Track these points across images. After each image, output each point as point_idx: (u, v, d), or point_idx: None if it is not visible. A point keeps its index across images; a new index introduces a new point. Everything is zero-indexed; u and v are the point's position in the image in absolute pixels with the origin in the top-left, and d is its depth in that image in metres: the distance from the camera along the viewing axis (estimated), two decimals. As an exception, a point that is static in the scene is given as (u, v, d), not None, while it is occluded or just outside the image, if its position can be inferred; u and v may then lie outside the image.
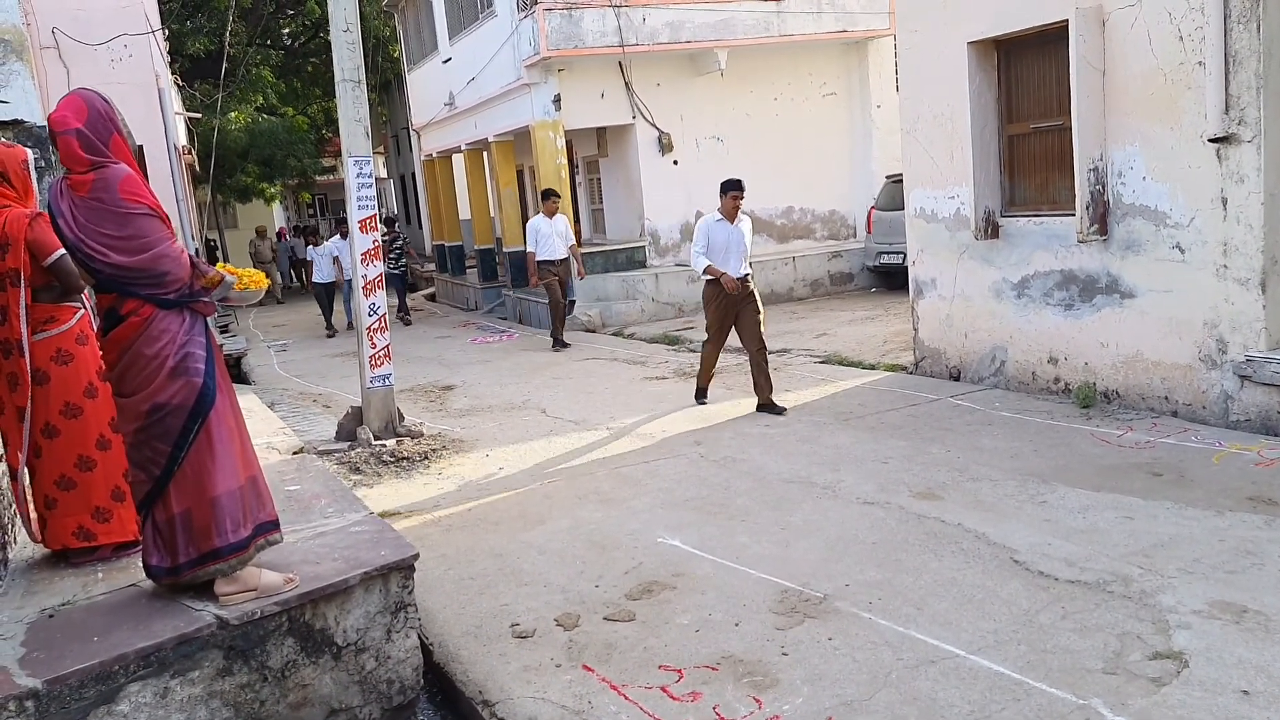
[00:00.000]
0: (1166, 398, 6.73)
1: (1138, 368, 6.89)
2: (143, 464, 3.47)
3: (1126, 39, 6.59)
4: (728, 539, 5.23)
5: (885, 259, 14.48)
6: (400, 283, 17.36)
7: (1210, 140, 6.13)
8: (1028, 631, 3.90)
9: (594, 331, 14.00)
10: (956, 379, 8.45)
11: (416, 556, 3.81)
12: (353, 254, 7.84)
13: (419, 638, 4.00)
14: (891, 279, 14.70)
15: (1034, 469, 5.89)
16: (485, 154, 18.20)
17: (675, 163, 15.02)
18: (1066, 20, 6.74)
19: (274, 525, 3.67)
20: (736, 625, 4.20)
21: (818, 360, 10.11)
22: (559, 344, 12.44)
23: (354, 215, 7.75)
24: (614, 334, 13.71)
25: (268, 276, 16.55)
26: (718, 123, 15.17)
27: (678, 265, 15.03)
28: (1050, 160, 7.46)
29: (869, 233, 15.02)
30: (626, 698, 3.69)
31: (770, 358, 10.53)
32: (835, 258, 15.75)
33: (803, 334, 11.90)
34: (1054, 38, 7.02)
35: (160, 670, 3.20)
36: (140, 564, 3.67)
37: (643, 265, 15.02)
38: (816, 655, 3.87)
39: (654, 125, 14.81)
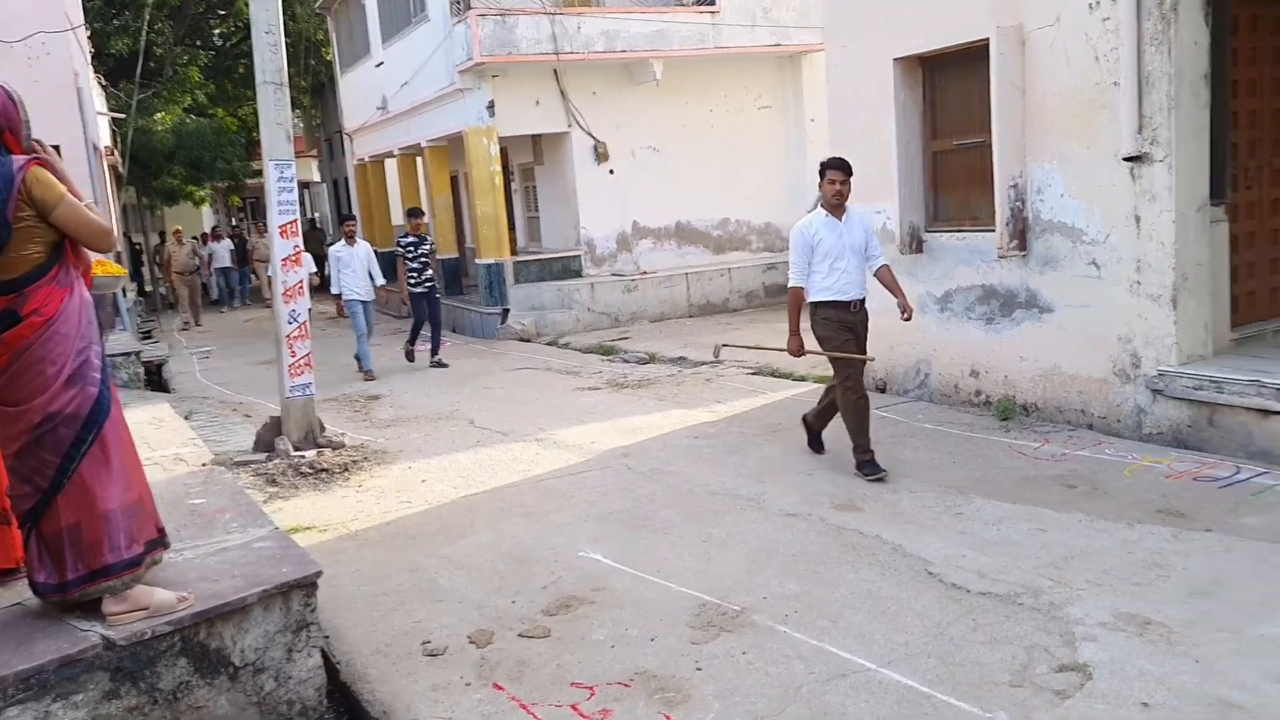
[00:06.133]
0: (1083, 411, 6.85)
1: (1055, 381, 7.01)
2: (28, 476, 3.32)
3: (1046, 58, 6.71)
4: (650, 552, 5.18)
5: (818, 271, 14.58)
6: (427, 305, 12.12)
7: (1124, 159, 6.26)
8: (939, 644, 3.91)
9: (528, 341, 13.91)
10: (883, 391, 8.50)
11: (319, 573, 3.70)
12: (273, 260, 7.67)
13: (324, 657, 3.89)
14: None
15: (952, 481, 5.94)
16: (419, 159, 18.02)
17: (611, 172, 14.99)
18: (988, 39, 6.85)
19: (160, 543, 3.55)
20: (652, 640, 4.15)
21: (750, 372, 10.14)
22: (871, 470, 6.10)
23: (274, 220, 7.58)
24: (549, 343, 13.64)
25: (189, 290, 15.82)
26: (654, 133, 15.19)
27: (613, 275, 15.00)
28: (972, 177, 7.56)
29: (802, 245, 15.12)
30: (536, 716, 3.62)
31: (703, 369, 10.64)
32: (770, 269, 15.84)
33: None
34: (976, 56, 7.12)
35: (41, 693, 3.06)
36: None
37: (579, 275, 14.97)
38: (730, 670, 3.84)
39: (590, 134, 14.77)
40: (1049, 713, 3.35)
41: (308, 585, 3.65)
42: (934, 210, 7.99)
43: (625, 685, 3.79)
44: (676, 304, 15.06)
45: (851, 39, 8.24)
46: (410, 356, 12.31)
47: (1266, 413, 5.77)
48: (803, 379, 9.47)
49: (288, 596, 3.60)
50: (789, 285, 6.34)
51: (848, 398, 6.16)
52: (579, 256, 15.03)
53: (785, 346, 6.35)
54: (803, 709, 3.51)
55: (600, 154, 14.85)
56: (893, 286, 6.32)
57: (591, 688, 3.79)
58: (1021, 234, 7.02)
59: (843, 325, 6.17)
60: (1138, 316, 6.40)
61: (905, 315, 6.29)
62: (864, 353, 6.29)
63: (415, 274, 11.98)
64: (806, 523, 5.45)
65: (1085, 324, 6.74)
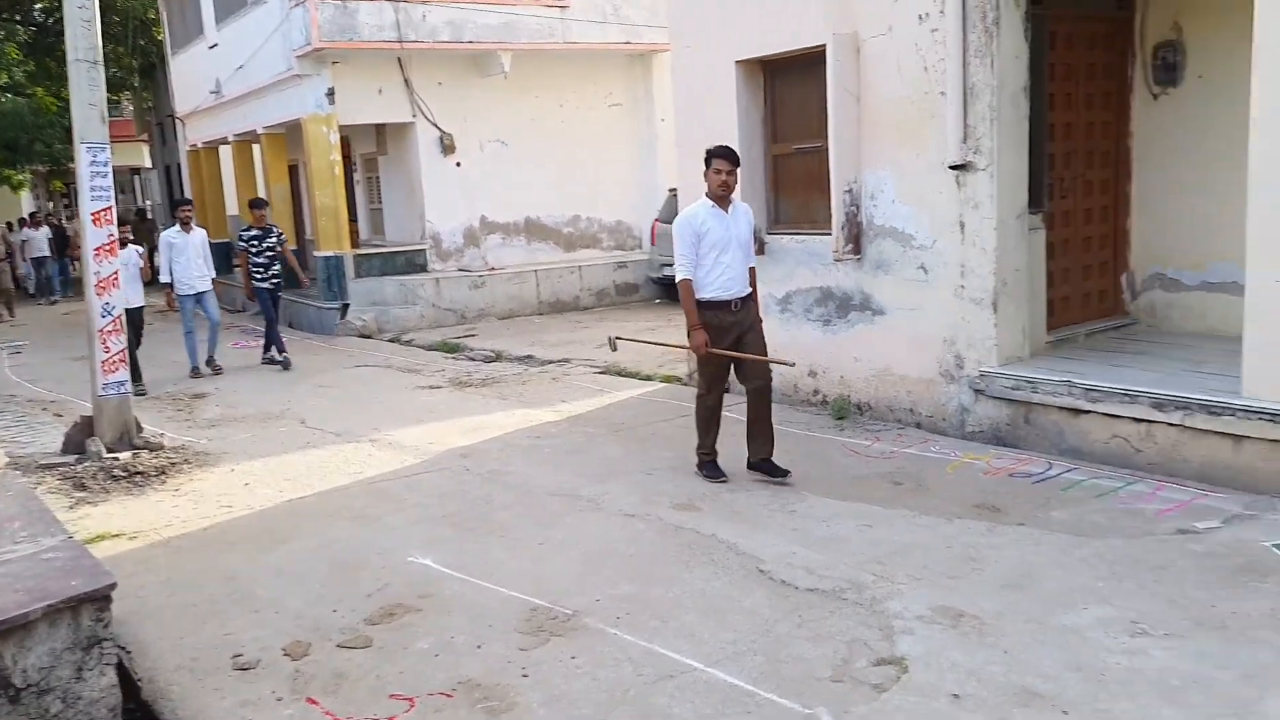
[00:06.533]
0: (912, 410, 7.08)
1: (887, 381, 7.22)
2: None
3: (879, 67, 6.90)
4: (483, 556, 5.07)
5: (668, 271, 14.65)
6: (271, 301, 11.40)
7: (951, 167, 6.49)
8: (765, 641, 3.94)
9: (369, 337, 13.49)
10: (726, 390, 8.58)
11: (113, 586, 3.43)
12: (84, 249, 7.16)
13: (123, 673, 3.62)
14: (674, 290, 14.89)
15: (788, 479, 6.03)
16: (255, 147, 17.26)
17: (458, 164, 14.71)
18: (825, 45, 6.99)
19: None
20: (479, 648, 4.04)
21: (597, 371, 10.10)
22: (711, 471, 6.14)
23: (86, 207, 7.08)
24: (391, 340, 13.26)
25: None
26: (502, 126, 14.98)
27: (460, 271, 14.72)
28: (811, 181, 7.71)
29: (653, 244, 15.21)
30: (351, 731, 3.47)
31: (551, 367, 10.53)
32: (621, 268, 15.86)
33: (585, 344, 11.88)
34: (815, 62, 7.25)
35: None
36: None
37: (423, 269, 14.61)
38: (558, 675, 3.77)
39: (435, 125, 14.45)
40: (866, 706, 3.41)
41: (100, 599, 3.38)
42: (775, 213, 8.12)
43: (448, 695, 3.67)
44: (526, 301, 14.90)
45: (695, 40, 8.29)
46: (287, 365, 11.14)
47: (1076, 411, 6.08)
48: (649, 378, 9.49)
49: (77, 611, 3.32)
50: (678, 279, 5.90)
51: (704, 402, 6.10)
52: (424, 251, 14.67)
53: (688, 343, 6.00)
54: (629, 711, 3.48)
55: (447, 146, 14.54)
56: (753, 288, 6.08)
57: (411, 699, 3.66)
58: (856, 238, 7.20)
59: (721, 329, 5.86)
60: (962, 319, 6.66)
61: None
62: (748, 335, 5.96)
63: (261, 269, 11.26)
64: (645, 523, 5.43)
65: (914, 326, 6.96)
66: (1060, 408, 6.17)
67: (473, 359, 11.34)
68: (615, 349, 6.97)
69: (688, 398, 8.42)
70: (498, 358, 11.25)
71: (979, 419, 6.65)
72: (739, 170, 5.90)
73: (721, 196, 5.87)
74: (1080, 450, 6.09)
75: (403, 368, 10.95)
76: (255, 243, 11.29)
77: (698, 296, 5.86)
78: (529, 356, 11.08)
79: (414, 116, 14.34)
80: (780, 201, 8.10)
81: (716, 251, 5.82)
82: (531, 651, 3.97)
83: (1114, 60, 7.39)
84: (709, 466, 6.14)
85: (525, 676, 3.77)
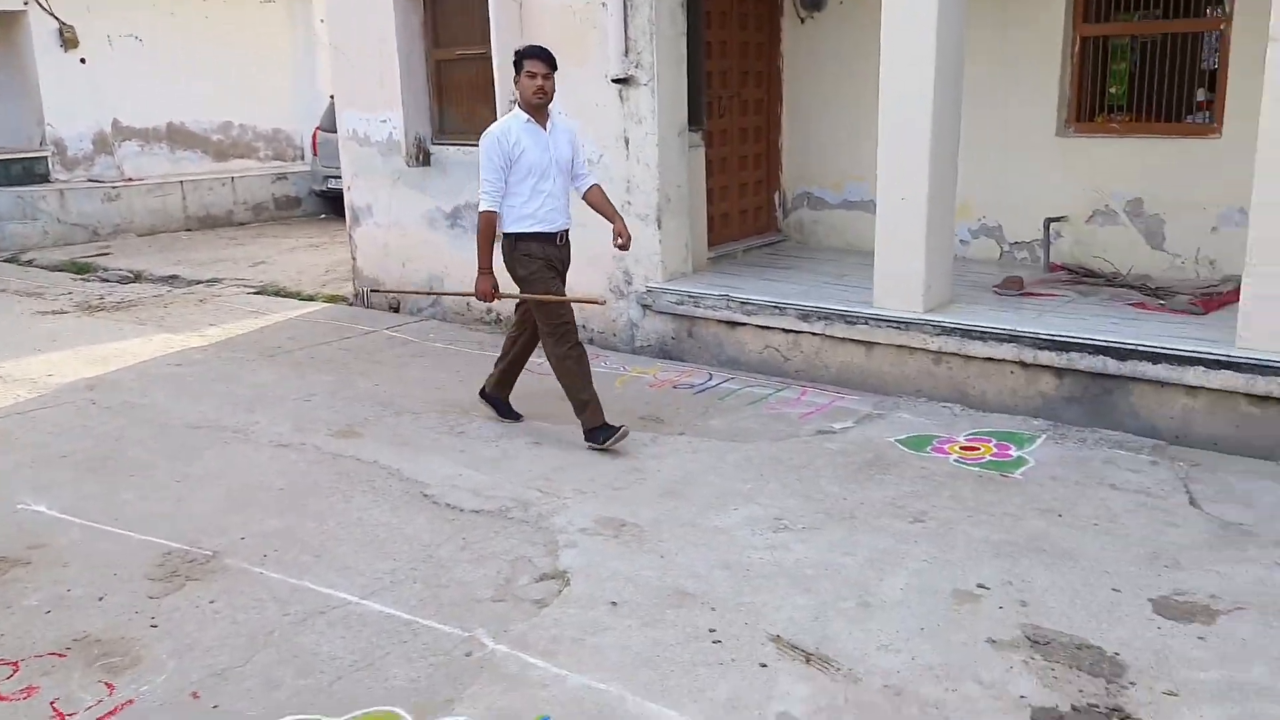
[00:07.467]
0: (585, 326, 7.06)
1: (560, 298, 7.19)
2: None
3: (542, -27, 6.71)
4: (109, 498, 4.53)
5: (332, 183, 13.80)
6: None
7: (613, 81, 6.47)
8: (426, 568, 3.80)
9: (-24, 257, 11.68)
10: (396, 310, 8.26)
11: None
12: None
13: None
14: (339, 204, 14.04)
15: (457, 400, 5.87)
16: None
17: (83, 61, 12.90)
18: (487, -54, 6.70)
19: None
20: (101, 599, 3.61)
21: (251, 291, 9.38)
22: (606, 435, 4.98)
23: None
24: (7, 260, 11.54)
25: None
26: (136, 20, 13.26)
27: (91, 181, 13.05)
28: (475, 90, 7.44)
29: (315, 155, 14.26)
30: (-68, 711, 2.96)
31: (199, 288, 9.63)
32: (280, 180, 14.73)
33: (239, 262, 11.00)
34: (476, -36, 6.95)
35: None
36: None
37: (45, 179, 12.78)
38: (192, 623, 3.43)
39: (52, 15, 12.53)
40: (525, 623, 3.37)
41: None
42: (440, 122, 7.78)
43: (60, 655, 3.24)
44: (171, 215, 13.48)
45: (348, -68, 7.68)
46: None
47: (733, 324, 6.37)
48: (311, 298, 8.94)
49: None
50: (480, 209, 4.93)
51: (559, 350, 5.01)
52: (45, 158, 12.81)
53: (473, 289, 5.11)
54: (272, 654, 3.22)
55: (68, 39, 12.68)
56: (607, 209, 5.24)
57: (15, 663, 3.21)
58: (524, 151, 7.03)
59: (549, 264, 5.02)
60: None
61: (620, 242, 5.15)
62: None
63: None
64: (299, 453, 5.08)
65: (586, 243, 6.81)
66: (719, 321, 6.43)
67: (106, 280, 10.13)
68: (369, 303, 6.23)
69: (350, 319, 8.05)
70: (136, 278, 10.13)
71: (647, 334, 6.81)
72: (553, 76, 4.90)
73: (538, 106, 4.90)
74: (738, 361, 6.39)
75: (21, 291, 9.57)
76: None
77: (515, 229, 4.96)
78: (173, 276, 10.08)
79: (26, 4, 12.37)
80: (445, 111, 7.77)
81: (535, 178, 4.90)
82: (163, 599, 3.59)
83: (766, -18, 7.66)
84: (603, 432, 4.99)
85: (154, 626, 3.40)
